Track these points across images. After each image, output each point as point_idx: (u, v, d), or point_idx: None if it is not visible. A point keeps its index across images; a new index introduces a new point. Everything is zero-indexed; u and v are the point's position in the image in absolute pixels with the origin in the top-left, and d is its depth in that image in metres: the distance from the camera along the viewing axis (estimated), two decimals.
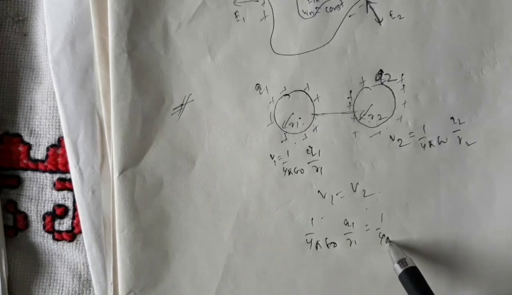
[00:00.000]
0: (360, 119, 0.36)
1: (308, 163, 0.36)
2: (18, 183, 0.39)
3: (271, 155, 0.36)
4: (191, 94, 0.36)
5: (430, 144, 0.36)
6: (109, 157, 0.37)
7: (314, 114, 0.36)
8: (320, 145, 0.36)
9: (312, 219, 0.36)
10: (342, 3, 0.35)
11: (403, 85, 0.35)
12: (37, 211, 0.39)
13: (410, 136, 0.36)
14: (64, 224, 0.39)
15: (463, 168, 0.36)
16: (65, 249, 0.39)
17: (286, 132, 0.36)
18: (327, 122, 0.36)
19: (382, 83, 0.35)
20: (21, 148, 0.39)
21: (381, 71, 0.35)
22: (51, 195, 0.39)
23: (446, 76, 0.35)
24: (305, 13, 0.35)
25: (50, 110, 0.38)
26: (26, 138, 0.39)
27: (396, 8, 0.35)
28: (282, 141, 0.36)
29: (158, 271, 0.36)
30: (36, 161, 0.39)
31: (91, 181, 0.37)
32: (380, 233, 0.36)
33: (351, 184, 0.36)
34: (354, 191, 0.36)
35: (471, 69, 0.35)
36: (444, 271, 0.36)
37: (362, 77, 0.35)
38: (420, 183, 0.36)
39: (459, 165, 0.36)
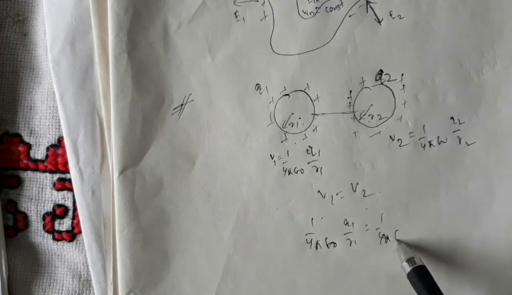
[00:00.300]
0: (360, 119, 0.36)
1: (308, 163, 0.36)
2: (18, 183, 0.39)
3: (271, 155, 0.36)
4: (191, 94, 0.36)
5: (430, 145, 0.36)
6: (109, 157, 0.37)
7: (314, 114, 0.36)
8: (320, 145, 0.36)
9: (312, 219, 0.36)
10: (342, 3, 0.35)
11: (403, 85, 0.35)
12: (37, 211, 0.39)
13: (410, 136, 0.36)
14: (64, 224, 0.39)
15: (463, 168, 0.36)
16: (65, 249, 0.39)
17: (286, 132, 0.36)
18: (327, 122, 0.36)
19: (382, 83, 0.35)
20: (21, 148, 0.39)
21: (381, 71, 0.35)
22: (51, 195, 0.39)
23: (446, 76, 0.35)
24: (305, 13, 0.35)
25: (50, 110, 0.38)
26: (26, 138, 0.39)
27: (396, 8, 0.35)
28: (282, 141, 0.36)
29: (158, 271, 0.36)
30: (36, 161, 0.39)
31: (91, 181, 0.37)
32: (380, 233, 0.36)
33: (351, 184, 0.36)
34: (354, 191, 0.36)
35: (471, 69, 0.35)
36: (444, 271, 0.36)
37: (362, 77, 0.35)
38: (420, 183, 0.36)
39: (459, 165, 0.36)
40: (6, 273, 0.39)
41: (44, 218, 0.39)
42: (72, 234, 0.39)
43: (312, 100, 0.35)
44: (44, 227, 0.39)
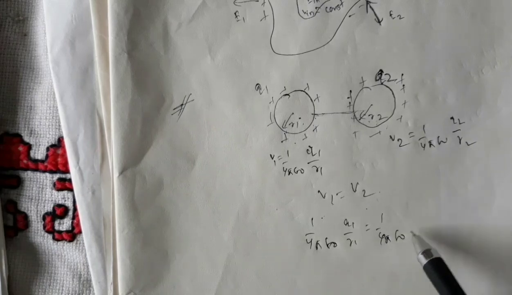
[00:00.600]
0: (360, 119, 0.36)
1: (308, 163, 0.36)
2: (18, 183, 0.39)
3: (271, 155, 0.36)
4: (191, 94, 0.36)
5: (430, 144, 0.36)
6: (109, 157, 0.37)
7: (314, 114, 0.36)
8: (320, 145, 0.36)
9: (312, 219, 0.36)
10: (342, 3, 0.35)
11: (403, 85, 0.35)
12: (37, 211, 0.39)
13: (410, 136, 0.36)
14: (64, 224, 0.39)
15: (463, 168, 0.36)
16: (65, 249, 0.39)
17: (286, 132, 0.36)
18: (327, 122, 0.36)
19: (382, 83, 0.35)
20: (21, 148, 0.39)
21: (381, 71, 0.35)
22: (51, 195, 0.39)
23: (446, 76, 0.35)
24: (305, 13, 0.35)
25: (50, 110, 0.38)
26: (26, 138, 0.39)
27: (396, 8, 0.35)
28: (282, 141, 0.36)
29: (158, 271, 0.36)
30: (36, 161, 0.39)
31: (91, 181, 0.37)
32: (380, 233, 0.36)
33: (351, 184, 0.36)
34: (354, 191, 0.36)
35: (471, 69, 0.35)
36: None
37: (362, 77, 0.35)
38: (420, 183, 0.36)
39: (459, 165, 0.36)
40: (6, 273, 0.39)
41: (44, 218, 0.39)
42: (72, 234, 0.39)
43: (312, 100, 0.35)
44: (44, 227, 0.39)
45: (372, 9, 0.35)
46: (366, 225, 0.36)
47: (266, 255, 0.36)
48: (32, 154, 0.39)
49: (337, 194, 0.36)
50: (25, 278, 0.40)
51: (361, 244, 0.36)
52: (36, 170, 0.39)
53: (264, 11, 0.35)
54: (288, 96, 0.35)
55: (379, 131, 0.36)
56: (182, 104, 0.36)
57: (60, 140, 0.39)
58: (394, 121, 0.35)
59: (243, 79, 0.35)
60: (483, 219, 0.36)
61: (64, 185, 0.39)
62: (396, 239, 0.36)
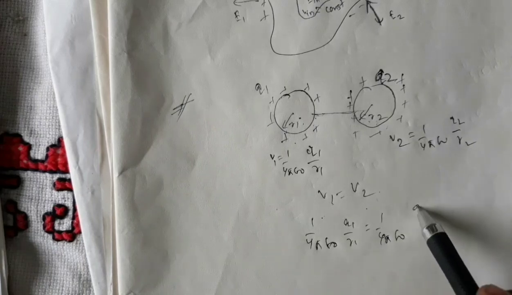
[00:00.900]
0: (360, 119, 0.36)
1: (308, 163, 0.36)
2: (18, 183, 0.39)
3: (271, 155, 0.36)
4: (191, 94, 0.36)
5: (430, 144, 0.36)
6: (108, 157, 0.37)
7: (314, 114, 0.36)
8: (320, 145, 0.36)
9: (312, 219, 0.36)
10: (342, 3, 0.35)
11: (403, 85, 0.35)
12: (37, 211, 0.39)
13: (410, 136, 0.36)
14: (64, 224, 0.39)
15: (463, 168, 0.36)
16: (65, 249, 0.39)
17: (286, 132, 0.36)
18: (327, 122, 0.36)
19: (382, 83, 0.35)
20: (21, 148, 0.39)
21: (381, 71, 0.35)
22: (51, 195, 0.39)
23: (446, 76, 0.35)
24: (305, 13, 0.35)
25: (50, 110, 0.38)
26: (26, 138, 0.39)
27: (396, 8, 0.35)
28: (282, 141, 0.36)
29: (158, 271, 0.36)
30: (36, 161, 0.39)
31: (91, 181, 0.37)
32: (380, 233, 0.36)
33: (351, 184, 0.36)
34: (354, 191, 0.36)
35: (471, 69, 0.35)
36: None
37: (362, 77, 0.35)
38: (420, 183, 0.36)
39: (459, 165, 0.36)
40: (6, 273, 0.39)
41: (44, 218, 0.39)
42: (72, 234, 0.39)
43: (312, 100, 0.35)
44: (44, 227, 0.39)
45: (372, 9, 0.35)
46: (366, 225, 0.36)
47: (266, 255, 0.36)
48: (32, 154, 0.39)
49: (337, 194, 0.36)
50: (25, 278, 0.40)
51: (361, 244, 0.36)
52: (36, 170, 0.39)
53: (264, 11, 0.35)
54: (288, 96, 0.35)
55: (379, 131, 0.36)
56: (182, 104, 0.36)
57: (60, 140, 0.39)
58: (394, 121, 0.35)
59: (243, 79, 0.35)
60: (483, 219, 0.36)
61: (64, 185, 0.39)
62: (396, 239, 0.36)
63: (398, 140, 0.36)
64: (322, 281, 0.36)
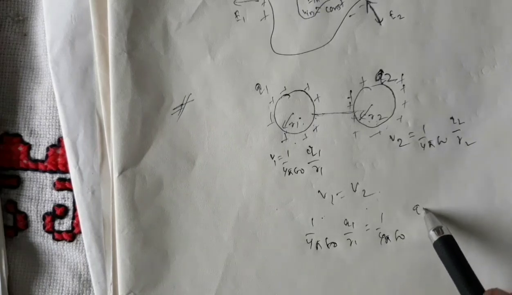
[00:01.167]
0: (360, 119, 0.36)
1: (308, 163, 0.36)
2: (18, 183, 0.39)
3: (271, 155, 0.36)
4: (191, 94, 0.36)
5: (430, 144, 0.36)
6: (108, 157, 0.37)
7: (314, 114, 0.36)
8: (320, 145, 0.36)
9: (312, 219, 0.36)
10: (342, 3, 0.35)
11: (403, 85, 0.35)
12: (37, 211, 0.39)
13: (410, 136, 0.36)
14: (64, 224, 0.39)
15: (463, 168, 0.36)
16: (65, 249, 0.39)
17: (286, 132, 0.36)
18: (327, 122, 0.36)
19: (382, 83, 0.35)
20: (21, 148, 0.39)
21: (381, 71, 0.35)
22: (51, 195, 0.39)
23: (446, 76, 0.35)
24: (305, 13, 0.35)
25: (50, 110, 0.38)
26: (26, 138, 0.39)
27: (396, 8, 0.35)
28: (282, 141, 0.36)
29: (158, 271, 0.36)
30: (36, 161, 0.39)
31: (91, 181, 0.37)
32: (380, 233, 0.36)
33: (351, 184, 0.36)
34: (354, 191, 0.36)
35: (471, 69, 0.35)
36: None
37: (362, 77, 0.35)
38: (420, 182, 0.36)
39: (459, 165, 0.36)
40: (6, 273, 0.39)
41: (44, 218, 0.39)
42: (72, 234, 0.39)
43: (312, 100, 0.35)
44: (44, 227, 0.39)
45: (372, 9, 0.35)
46: (366, 225, 0.36)
47: (266, 255, 0.36)
48: (32, 154, 0.39)
49: (337, 194, 0.36)
50: (25, 278, 0.40)
51: (361, 244, 0.36)
52: (36, 170, 0.39)
53: (264, 11, 0.35)
54: (288, 96, 0.35)
55: (379, 131, 0.36)
56: (182, 104, 0.36)
57: (60, 140, 0.39)
58: (394, 121, 0.35)
59: (243, 79, 0.35)
60: (483, 219, 0.36)
61: (64, 185, 0.39)
62: (396, 239, 0.36)
63: (398, 140, 0.36)
64: (322, 281, 0.36)
